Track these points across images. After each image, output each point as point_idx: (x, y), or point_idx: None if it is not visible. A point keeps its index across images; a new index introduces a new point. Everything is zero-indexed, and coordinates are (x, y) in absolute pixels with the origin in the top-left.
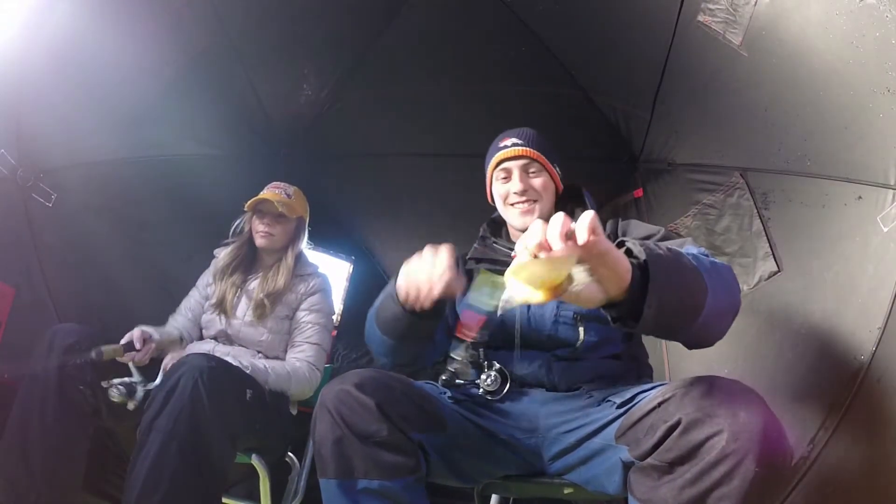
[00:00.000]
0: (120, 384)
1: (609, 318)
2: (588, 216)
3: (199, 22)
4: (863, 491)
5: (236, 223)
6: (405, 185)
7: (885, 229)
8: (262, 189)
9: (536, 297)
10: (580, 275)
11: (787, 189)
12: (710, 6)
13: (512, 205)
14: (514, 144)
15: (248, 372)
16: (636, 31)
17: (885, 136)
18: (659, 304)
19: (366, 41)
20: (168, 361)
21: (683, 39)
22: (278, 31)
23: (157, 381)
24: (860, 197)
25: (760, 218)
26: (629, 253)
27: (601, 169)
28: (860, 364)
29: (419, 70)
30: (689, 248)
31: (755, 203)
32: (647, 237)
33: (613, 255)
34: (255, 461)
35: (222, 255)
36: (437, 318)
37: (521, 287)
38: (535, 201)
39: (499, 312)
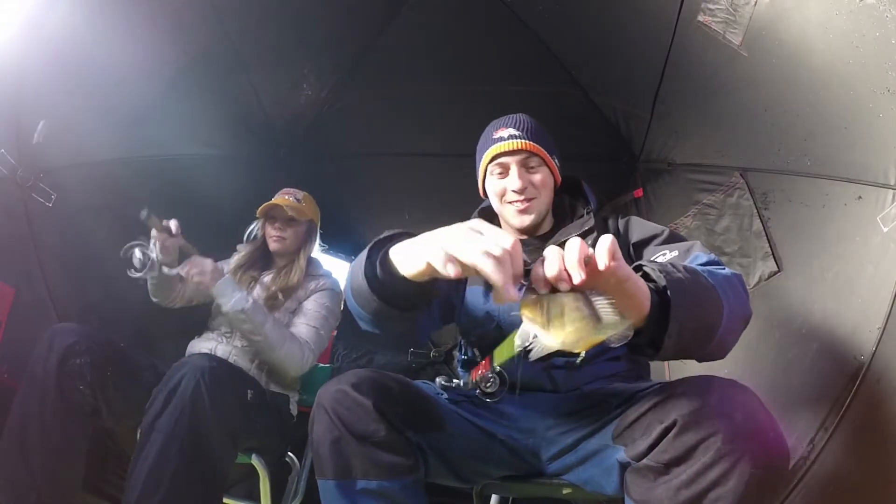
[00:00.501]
0: (142, 251)
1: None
2: (607, 240)
3: (199, 22)
4: (862, 491)
5: (249, 229)
6: (405, 185)
7: (885, 229)
8: (265, 190)
9: (575, 349)
10: (618, 324)
11: (787, 189)
12: (710, 6)
13: (509, 202)
14: (512, 137)
15: (247, 307)
16: (636, 31)
17: (885, 136)
18: (680, 331)
19: (366, 41)
20: (189, 268)
21: (683, 39)
22: (278, 31)
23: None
24: (860, 197)
25: (760, 218)
26: (646, 277)
27: (601, 169)
28: (860, 364)
29: (419, 70)
30: (697, 254)
31: (755, 203)
32: (652, 237)
33: (633, 282)
34: (255, 461)
35: (237, 256)
36: (420, 308)
37: (553, 338)
38: (533, 198)
39: (516, 351)
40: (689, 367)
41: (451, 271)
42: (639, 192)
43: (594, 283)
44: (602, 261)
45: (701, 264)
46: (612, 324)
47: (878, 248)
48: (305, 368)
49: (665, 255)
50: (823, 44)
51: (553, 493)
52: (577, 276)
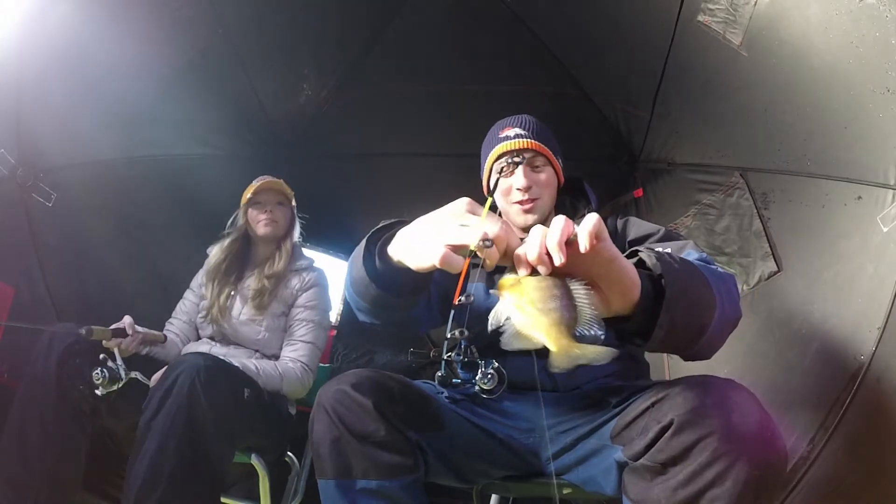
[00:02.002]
0: (103, 368)
1: (611, 333)
2: (591, 220)
3: (199, 22)
4: (862, 491)
5: (232, 219)
6: (405, 185)
7: (885, 229)
8: None
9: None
10: (592, 320)
11: (787, 189)
12: (710, 6)
13: (515, 202)
14: (518, 136)
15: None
16: (636, 31)
17: (885, 136)
18: (671, 323)
19: (365, 41)
20: (155, 379)
21: (683, 39)
22: (278, 31)
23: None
24: (860, 197)
25: (760, 218)
26: (641, 264)
27: (601, 169)
28: (860, 364)
29: (419, 70)
30: (689, 252)
31: (755, 203)
32: (647, 236)
33: (619, 265)
34: (254, 461)
35: (214, 251)
36: (416, 296)
37: (524, 324)
38: (537, 198)
39: (489, 328)
40: (689, 367)
41: (458, 263)
42: (639, 193)
43: (577, 264)
44: (583, 243)
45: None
46: (586, 319)
47: (878, 248)
48: (308, 387)
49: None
50: (823, 44)
51: (553, 493)
52: (557, 258)
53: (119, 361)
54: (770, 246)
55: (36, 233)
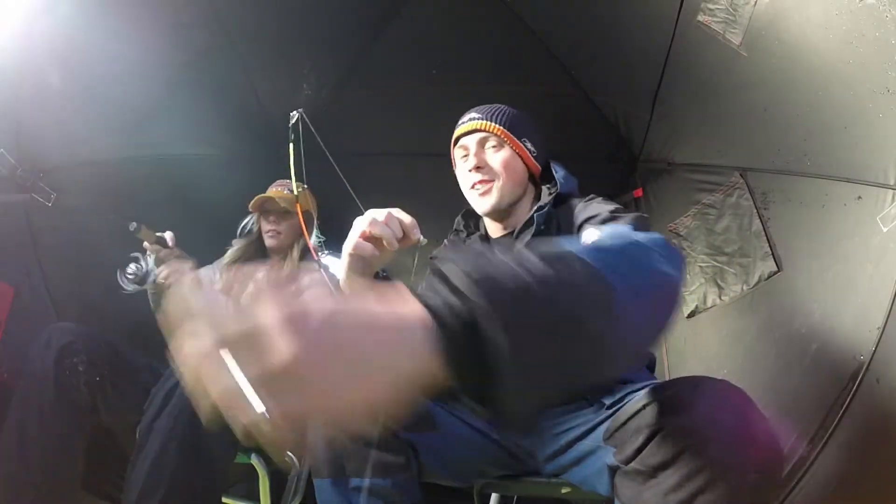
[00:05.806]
0: (136, 267)
1: None
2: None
3: (199, 22)
4: (862, 491)
5: (243, 223)
6: (405, 185)
7: (885, 229)
8: (264, 190)
9: None
10: None
11: (787, 189)
12: (710, 6)
13: (471, 187)
14: (471, 119)
15: None
16: (636, 31)
17: (885, 136)
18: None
19: (366, 41)
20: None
21: (683, 39)
22: (278, 31)
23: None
24: (860, 197)
25: (760, 218)
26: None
27: (601, 169)
28: (860, 364)
29: (419, 70)
30: (618, 228)
31: (755, 203)
32: (590, 218)
33: None
34: (254, 461)
35: (230, 251)
36: None
37: None
38: (492, 180)
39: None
40: (690, 367)
41: (366, 248)
42: (638, 192)
43: None
44: None
45: (605, 243)
46: None
47: (877, 248)
48: None
49: (592, 236)
50: (823, 44)
51: (552, 492)
52: None
53: (152, 266)
54: (770, 246)
55: (36, 233)
